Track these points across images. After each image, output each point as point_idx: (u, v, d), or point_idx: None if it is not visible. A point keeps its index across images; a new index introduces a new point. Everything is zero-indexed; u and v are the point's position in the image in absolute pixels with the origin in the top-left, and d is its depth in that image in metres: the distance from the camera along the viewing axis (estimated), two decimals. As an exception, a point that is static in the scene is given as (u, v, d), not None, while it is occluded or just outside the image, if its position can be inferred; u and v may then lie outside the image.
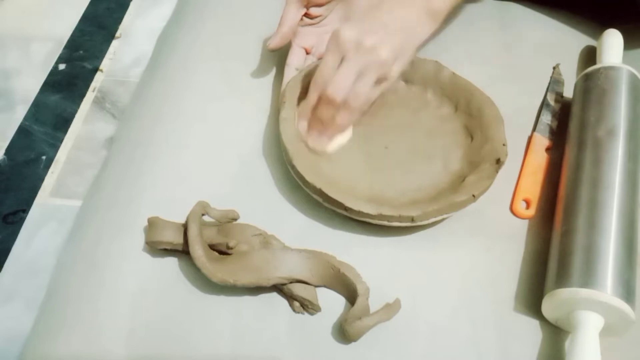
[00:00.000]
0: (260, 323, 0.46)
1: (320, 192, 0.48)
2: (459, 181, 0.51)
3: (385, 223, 0.48)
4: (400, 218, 0.47)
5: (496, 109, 0.54)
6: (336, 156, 0.53)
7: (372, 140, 0.55)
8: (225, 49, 0.64)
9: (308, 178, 0.49)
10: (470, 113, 0.55)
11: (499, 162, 0.50)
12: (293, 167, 0.50)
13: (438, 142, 0.55)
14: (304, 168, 0.50)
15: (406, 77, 0.58)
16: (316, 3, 0.56)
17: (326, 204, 0.49)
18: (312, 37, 0.58)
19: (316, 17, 0.57)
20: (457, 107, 0.56)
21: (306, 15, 0.57)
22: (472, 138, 0.54)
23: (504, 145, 0.51)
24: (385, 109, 0.57)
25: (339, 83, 0.49)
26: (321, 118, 0.51)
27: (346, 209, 0.48)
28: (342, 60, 0.49)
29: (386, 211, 0.47)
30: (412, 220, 0.47)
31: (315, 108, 0.51)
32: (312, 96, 0.51)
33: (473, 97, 0.55)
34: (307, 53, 0.59)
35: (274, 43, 0.55)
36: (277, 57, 0.62)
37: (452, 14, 0.54)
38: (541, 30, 0.65)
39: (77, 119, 1.17)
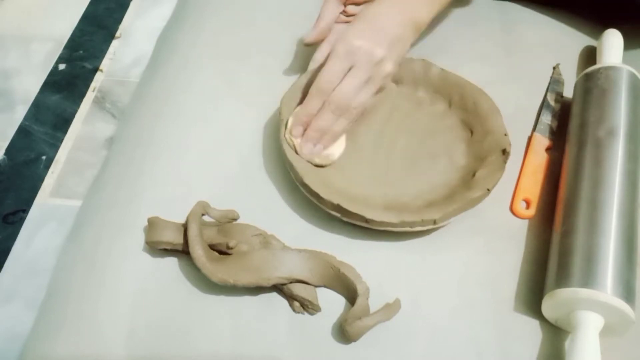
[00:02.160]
0: (260, 323, 0.46)
1: (339, 208, 0.47)
2: (469, 176, 0.51)
3: (408, 229, 0.47)
4: (422, 222, 0.47)
5: (490, 99, 0.54)
6: (343, 167, 0.53)
7: (374, 148, 0.54)
8: (225, 49, 0.64)
9: (324, 195, 0.48)
10: (466, 107, 0.55)
11: (505, 153, 0.50)
12: (305, 185, 0.49)
13: (439, 140, 0.54)
14: (316, 185, 0.48)
15: (396, 79, 0.57)
16: (354, 1, 0.56)
17: (345, 219, 0.48)
18: None
19: (352, 15, 0.57)
20: (450, 102, 0.56)
21: (342, 12, 0.57)
22: (471, 132, 0.54)
23: (505, 135, 0.51)
24: (380, 114, 0.56)
25: (348, 90, 0.49)
26: (321, 125, 0.50)
27: (367, 221, 0.47)
28: (350, 68, 0.49)
29: (408, 217, 0.47)
30: (434, 222, 0.47)
31: (316, 115, 0.51)
32: (315, 102, 0.50)
33: (465, 91, 0.55)
34: None
35: (311, 38, 0.55)
36: (278, 56, 0.62)
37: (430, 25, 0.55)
38: (541, 30, 0.65)
39: (77, 119, 1.18)
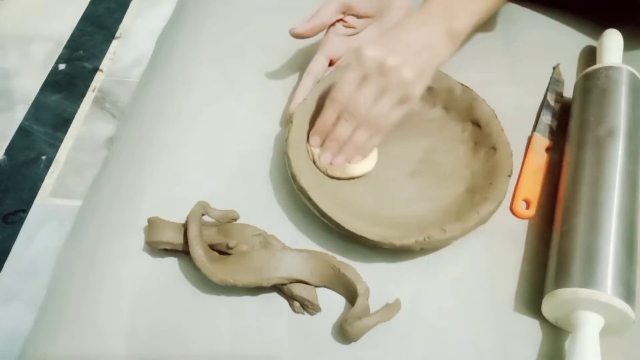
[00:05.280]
0: (260, 323, 0.46)
1: (376, 243, 0.46)
2: (476, 191, 0.50)
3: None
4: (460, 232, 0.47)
5: (485, 104, 0.54)
6: (349, 190, 0.52)
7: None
8: (225, 49, 0.64)
9: (367, 235, 0.46)
10: (460, 111, 0.55)
11: (510, 175, 0.50)
12: (340, 226, 0.47)
13: (443, 149, 0.54)
14: (322, 201, 0.47)
15: None
16: (355, 13, 0.56)
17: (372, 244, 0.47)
18: (342, 48, 0.57)
19: (350, 27, 0.57)
20: (446, 106, 0.56)
21: (341, 20, 0.56)
22: (474, 142, 0.54)
23: (510, 155, 0.51)
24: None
25: (361, 100, 0.48)
26: (339, 136, 0.50)
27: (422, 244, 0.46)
28: (363, 79, 0.48)
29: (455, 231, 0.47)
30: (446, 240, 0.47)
31: (332, 126, 0.50)
32: (329, 113, 0.50)
33: (455, 94, 0.55)
34: (330, 64, 0.57)
35: (300, 30, 0.54)
36: (277, 57, 0.62)
37: (469, 36, 0.54)
38: (541, 30, 0.65)
39: (77, 119, 1.18)
